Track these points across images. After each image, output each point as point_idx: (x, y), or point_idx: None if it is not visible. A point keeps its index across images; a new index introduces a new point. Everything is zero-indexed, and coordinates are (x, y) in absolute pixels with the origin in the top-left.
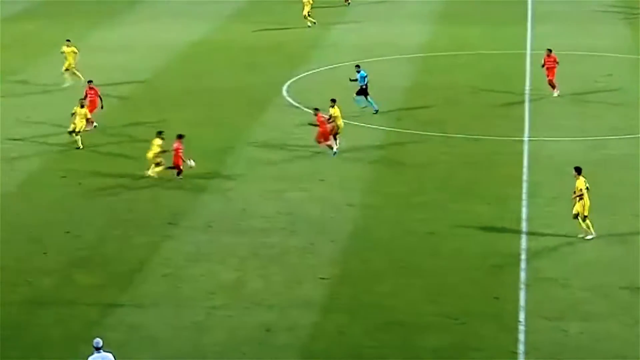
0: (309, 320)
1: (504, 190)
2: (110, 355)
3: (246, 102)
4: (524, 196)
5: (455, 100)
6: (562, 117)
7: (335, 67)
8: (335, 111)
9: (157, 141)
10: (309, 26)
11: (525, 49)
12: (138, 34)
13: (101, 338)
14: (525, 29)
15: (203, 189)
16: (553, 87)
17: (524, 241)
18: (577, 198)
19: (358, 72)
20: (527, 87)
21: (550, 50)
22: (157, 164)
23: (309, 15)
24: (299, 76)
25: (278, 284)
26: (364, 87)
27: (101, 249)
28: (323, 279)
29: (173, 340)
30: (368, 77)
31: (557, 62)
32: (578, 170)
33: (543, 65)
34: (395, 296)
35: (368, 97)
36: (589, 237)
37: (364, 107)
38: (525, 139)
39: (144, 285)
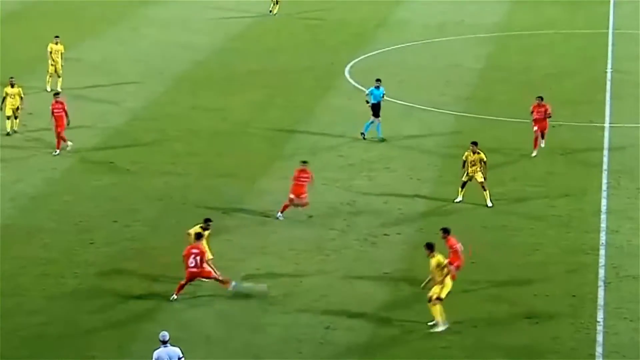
0: (370, 318)
1: (583, 181)
2: (177, 350)
3: (309, 84)
4: (604, 187)
5: (533, 84)
6: None
7: (404, 47)
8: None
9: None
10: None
11: (607, 28)
12: (195, 9)
13: (160, 334)
14: (608, 8)
15: (261, 176)
16: (535, 144)
17: (604, 235)
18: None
19: (377, 87)
20: (609, 70)
21: (541, 99)
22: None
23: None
24: (363, 56)
25: (338, 279)
26: (376, 104)
27: (152, 240)
28: (387, 274)
29: (227, 338)
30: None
31: (549, 115)
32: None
33: (532, 113)
34: (466, 293)
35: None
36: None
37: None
38: (606, 125)
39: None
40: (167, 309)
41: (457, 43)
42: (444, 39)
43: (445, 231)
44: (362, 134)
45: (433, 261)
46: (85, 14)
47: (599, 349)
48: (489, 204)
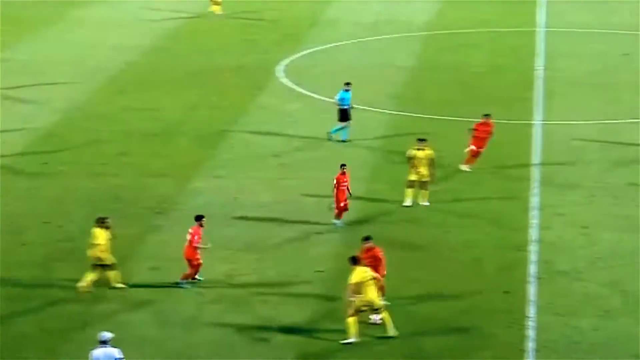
0: (305, 315)
1: (514, 178)
2: (115, 351)
3: (242, 84)
4: (535, 184)
5: (465, 82)
6: (576, 98)
7: (335, 46)
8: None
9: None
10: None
11: (538, 26)
12: (126, 9)
13: (100, 333)
14: (539, 6)
15: (193, 176)
16: (470, 160)
17: (535, 232)
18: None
19: (347, 90)
20: (541, 67)
21: (488, 116)
22: None
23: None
24: (295, 55)
25: (272, 278)
26: (347, 109)
27: (84, 240)
28: (320, 272)
29: (162, 338)
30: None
31: (492, 134)
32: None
33: (470, 130)
34: (396, 291)
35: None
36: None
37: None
38: (537, 122)
39: (131, 280)
40: (99, 310)
41: (390, 42)
42: (376, 37)
43: (367, 239)
44: (329, 134)
45: (357, 273)
46: (19, 14)
47: (531, 344)
48: (425, 203)
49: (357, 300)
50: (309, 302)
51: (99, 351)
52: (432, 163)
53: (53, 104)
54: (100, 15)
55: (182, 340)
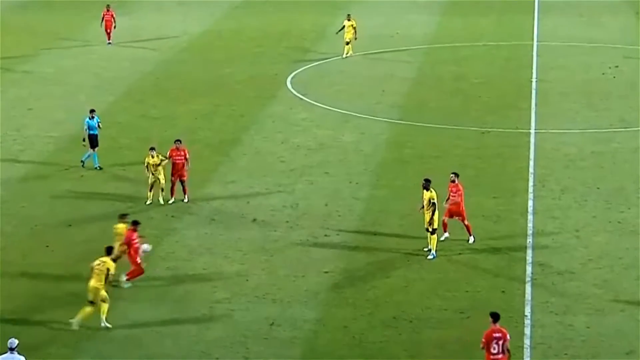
0: (313, 314)
1: (511, 184)
2: (22, 358)
3: (252, 94)
4: (531, 189)
5: (463, 92)
6: (569, 109)
7: (339, 58)
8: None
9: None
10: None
11: (532, 40)
12: (144, 24)
13: (9, 340)
14: (532, 19)
15: (207, 181)
16: (444, 229)
17: (530, 235)
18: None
19: (92, 117)
20: (535, 79)
21: (456, 175)
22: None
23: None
24: (304, 67)
25: (282, 278)
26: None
27: (103, 242)
28: (327, 272)
29: (176, 335)
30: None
31: (461, 194)
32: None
33: (447, 201)
34: (401, 291)
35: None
36: (430, 257)
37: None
38: (532, 131)
39: (147, 279)
40: (117, 308)
41: (391, 54)
42: (378, 50)
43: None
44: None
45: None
46: (42, 28)
47: (527, 341)
48: (431, 256)
49: None
50: (316, 300)
51: (6, 356)
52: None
53: (76, 114)
54: (118, 28)
55: (194, 336)
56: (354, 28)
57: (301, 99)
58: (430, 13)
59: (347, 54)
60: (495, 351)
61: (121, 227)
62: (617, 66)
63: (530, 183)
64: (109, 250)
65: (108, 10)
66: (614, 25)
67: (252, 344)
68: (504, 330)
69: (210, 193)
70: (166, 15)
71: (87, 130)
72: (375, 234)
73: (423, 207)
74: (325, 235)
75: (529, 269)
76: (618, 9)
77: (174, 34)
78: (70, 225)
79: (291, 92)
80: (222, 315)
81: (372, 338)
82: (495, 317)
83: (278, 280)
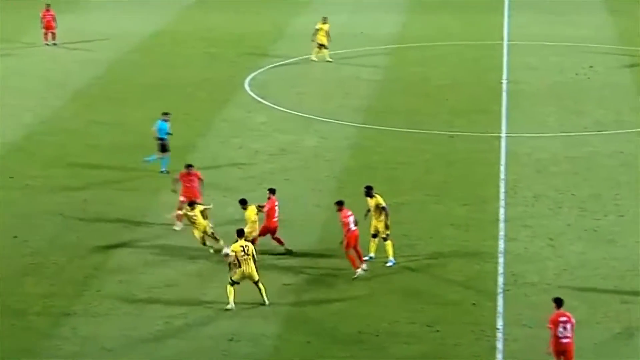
0: (274, 329)
1: (481, 190)
2: None
3: (207, 97)
4: (502, 196)
5: (430, 94)
6: (541, 111)
7: (301, 59)
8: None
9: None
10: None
11: (501, 39)
12: (92, 24)
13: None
14: (502, 18)
15: (162, 189)
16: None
17: (502, 243)
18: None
19: (166, 120)
20: (505, 80)
21: (341, 203)
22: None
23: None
24: (262, 69)
25: (241, 291)
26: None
27: (52, 255)
28: (288, 285)
29: (129, 351)
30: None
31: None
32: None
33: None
34: (367, 303)
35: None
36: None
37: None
38: (503, 135)
39: (99, 293)
40: (67, 323)
41: (355, 55)
42: (341, 51)
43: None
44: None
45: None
46: None
47: (499, 356)
48: (390, 263)
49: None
50: (276, 314)
51: None
52: (384, 212)
53: (21, 119)
54: (65, 29)
55: (148, 353)
56: (327, 33)
57: (260, 102)
58: (397, 12)
59: (318, 57)
60: (561, 335)
61: (250, 210)
62: (591, 66)
63: (502, 190)
64: (240, 233)
65: (48, 10)
66: (588, 24)
67: (253, 341)
68: (569, 314)
69: (165, 202)
70: (115, 15)
71: (159, 133)
72: (340, 242)
73: (368, 212)
74: (286, 246)
75: (500, 279)
76: (592, 7)
77: (124, 34)
78: (15, 237)
79: (249, 95)
80: (178, 331)
81: (336, 354)
82: (558, 302)
83: (237, 294)
